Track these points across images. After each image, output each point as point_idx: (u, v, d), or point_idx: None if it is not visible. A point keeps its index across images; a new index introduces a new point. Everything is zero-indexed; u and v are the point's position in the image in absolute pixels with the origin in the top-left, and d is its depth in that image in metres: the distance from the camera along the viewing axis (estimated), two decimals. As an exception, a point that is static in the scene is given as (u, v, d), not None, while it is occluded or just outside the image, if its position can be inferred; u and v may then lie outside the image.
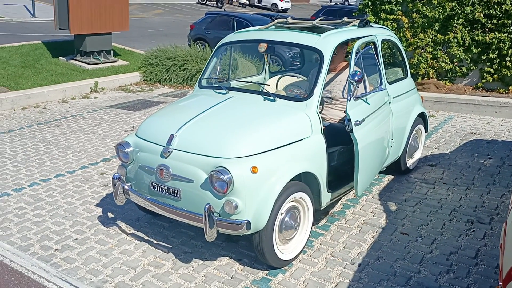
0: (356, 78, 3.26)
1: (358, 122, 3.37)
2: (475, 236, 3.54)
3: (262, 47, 3.71)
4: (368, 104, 3.59)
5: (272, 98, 3.45)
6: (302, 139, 3.21)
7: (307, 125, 3.26)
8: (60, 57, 10.60)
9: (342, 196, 3.94)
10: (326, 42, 3.51)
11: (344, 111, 3.45)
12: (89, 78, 9.48)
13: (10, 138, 6.21)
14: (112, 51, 10.84)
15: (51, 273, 3.18)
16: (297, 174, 3.12)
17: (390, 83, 4.20)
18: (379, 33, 4.13)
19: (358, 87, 3.38)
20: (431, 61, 8.11)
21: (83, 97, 8.74)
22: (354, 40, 3.79)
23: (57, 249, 3.50)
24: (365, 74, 3.59)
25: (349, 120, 3.33)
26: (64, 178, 4.86)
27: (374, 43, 3.96)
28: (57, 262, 3.33)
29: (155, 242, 3.56)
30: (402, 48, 4.57)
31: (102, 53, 10.53)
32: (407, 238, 3.52)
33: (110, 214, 4.04)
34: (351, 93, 3.38)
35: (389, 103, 4.09)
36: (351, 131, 3.33)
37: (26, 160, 5.38)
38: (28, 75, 9.32)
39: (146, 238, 3.63)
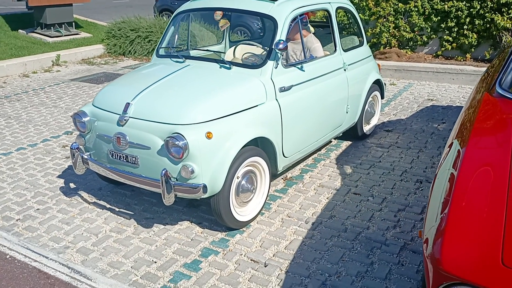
0: (280, 47, 3.34)
1: (283, 88, 3.47)
2: (423, 194, 3.76)
3: (218, 15, 3.75)
4: (303, 71, 3.69)
5: (228, 66, 3.51)
6: (257, 105, 3.30)
7: (261, 91, 3.35)
8: (19, 30, 10.26)
9: (299, 161, 4.08)
10: (280, 10, 3.57)
11: None
12: (50, 51, 9.26)
13: (-31, 113, 6.08)
14: (74, 23, 10.55)
15: (12, 242, 3.23)
16: (254, 140, 3.23)
17: (345, 50, 4.31)
18: (334, 1, 4.21)
19: (282, 55, 3.46)
20: (393, 30, 8.27)
21: (44, 71, 8.56)
22: (309, 7, 3.85)
23: (19, 219, 3.53)
24: (306, 40, 3.66)
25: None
26: (25, 152, 4.83)
27: (328, 11, 4.04)
28: (19, 231, 3.37)
29: (117, 209, 3.64)
30: (357, 16, 4.67)
31: (63, 25, 10.24)
32: (359, 198, 3.71)
33: (72, 185, 4.07)
34: (278, 61, 3.45)
35: (344, 70, 4.21)
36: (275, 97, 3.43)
37: (-15, 135, 5.30)
38: (-14, 49, 9.01)
39: (108, 206, 3.70)
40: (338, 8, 4.26)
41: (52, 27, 10.08)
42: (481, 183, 1.89)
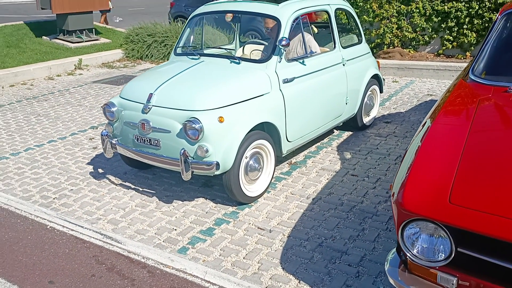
0: (283, 43, 3.79)
1: (286, 80, 3.92)
2: (414, 175, 4.16)
3: (229, 16, 4.23)
4: (305, 65, 4.13)
5: (237, 61, 3.98)
6: (262, 95, 3.76)
7: (267, 83, 3.80)
8: (43, 37, 10.90)
9: (303, 148, 4.51)
10: (283, 11, 4.04)
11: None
12: (72, 56, 9.85)
13: (2, 112, 6.65)
14: (94, 29, 11.17)
15: (52, 215, 3.73)
16: (260, 124, 3.68)
17: (344, 47, 4.75)
18: (333, 2, 4.66)
19: (285, 50, 3.91)
20: (396, 30, 8.67)
21: (68, 74, 9.14)
22: (309, 9, 4.30)
23: (55, 198, 4.04)
24: (306, 38, 4.12)
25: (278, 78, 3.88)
26: (56, 143, 5.36)
27: (327, 11, 4.49)
28: (56, 207, 3.87)
29: (141, 189, 4.12)
30: (356, 16, 5.10)
31: (84, 31, 10.85)
32: (356, 179, 4.14)
33: (100, 170, 4.57)
34: (282, 56, 3.89)
35: (343, 65, 4.64)
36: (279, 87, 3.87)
37: (19, 130, 5.85)
38: (13, 54, 9.65)
39: (133, 186, 4.18)
40: (337, 9, 4.71)
41: (73, 33, 10.70)
42: (440, 148, 2.30)
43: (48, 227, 3.59)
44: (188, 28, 4.58)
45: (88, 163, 4.76)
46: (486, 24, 7.86)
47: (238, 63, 3.96)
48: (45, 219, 3.69)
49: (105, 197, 4.01)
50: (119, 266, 3.07)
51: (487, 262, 1.90)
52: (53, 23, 11.39)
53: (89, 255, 3.19)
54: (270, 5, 4.10)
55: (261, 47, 4.34)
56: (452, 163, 2.15)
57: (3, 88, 8.09)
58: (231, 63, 4.00)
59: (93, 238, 3.40)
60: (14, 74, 8.50)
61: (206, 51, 4.58)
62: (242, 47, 4.59)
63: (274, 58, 3.87)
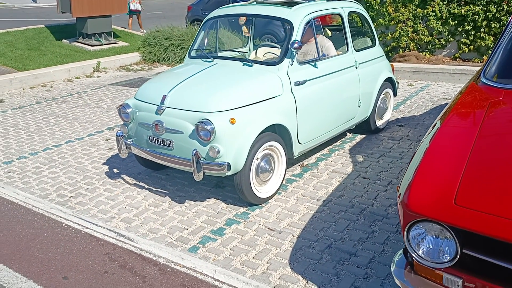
0: (295, 46, 3.82)
1: (298, 83, 3.94)
2: (426, 178, 4.15)
3: (242, 20, 4.28)
4: (317, 68, 4.15)
5: (250, 64, 4.03)
6: (274, 97, 3.80)
7: (278, 85, 3.84)
8: (63, 40, 11.16)
9: (315, 150, 4.52)
10: (296, 14, 4.08)
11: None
12: (91, 58, 10.06)
13: (22, 113, 6.83)
14: (112, 33, 11.38)
15: (67, 213, 3.83)
16: (271, 126, 3.72)
17: (357, 50, 4.76)
18: (346, 6, 4.68)
19: (297, 53, 3.94)
20: (412, 34, 8.62)
21: (86, 76, 9.33)
22: (322, 12, 4.33)
23: (71, 196, 4.14)
24: (320, 41, 4.14)
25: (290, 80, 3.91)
26: (73, 144, 5.48)
27: (340, 15, 4.51)
28: (72, 205, 3.97)
29: (154, 189, 4.20)
30: (369, 19, 5.11)
31: (103, 35, 11.07)
32: (367, 181, 4.14)
33: (115, 170, 4.67)
34: (294, 58, 3.93)
35: (356, 68, 4.66)
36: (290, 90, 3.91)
37: (38, 130, 6.01)
38: (34, 57, 9.90)
39: (146, 186, 4.26)
40: (350, 12, 4.73)
41: (92, 37, 10.92)
42: (448, 149, 2.31)
43: (63, 224, 3.68)
44: (202, 31, 4.65)
45: (104, 163, 4.86)
46: (504, 28, 7.75)
47: (251, 66, 4.01)
48: (61, 217, 3.79)
49: (120, 196, 4.09)
50: (131, 263, 3.13)
51: (492, 264, 1.90)
52: (73, 26, 11.66)
53: (102, 252, 3.27)
54: (283, 9, 4.14)
55: (274, 50, 4.38)
56: (459, 165, 2.15)
57: (23, 89, 8.30)
58: (243, 65, 4.05)
59: (107, 236, 3.48)
60: (35, 76, 8.71)
61: (219, 54, 4.64)
62: (255, 50, 4.65)
63: (286, 60, 3.91)
